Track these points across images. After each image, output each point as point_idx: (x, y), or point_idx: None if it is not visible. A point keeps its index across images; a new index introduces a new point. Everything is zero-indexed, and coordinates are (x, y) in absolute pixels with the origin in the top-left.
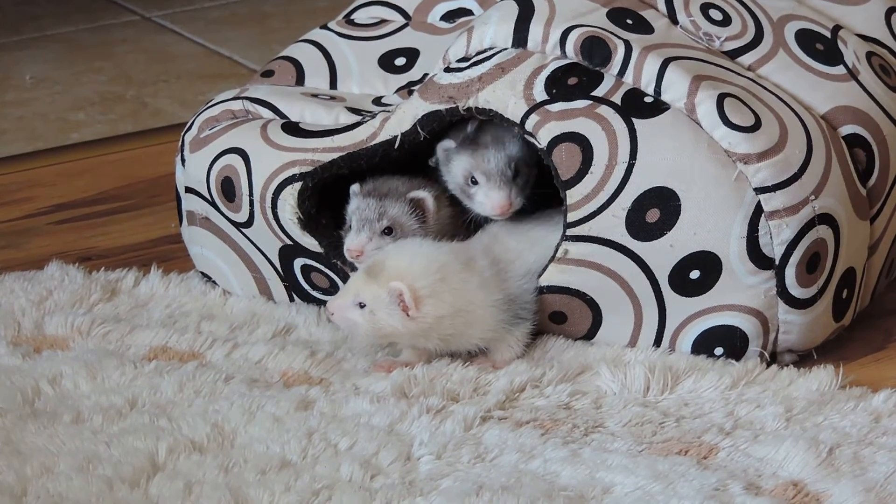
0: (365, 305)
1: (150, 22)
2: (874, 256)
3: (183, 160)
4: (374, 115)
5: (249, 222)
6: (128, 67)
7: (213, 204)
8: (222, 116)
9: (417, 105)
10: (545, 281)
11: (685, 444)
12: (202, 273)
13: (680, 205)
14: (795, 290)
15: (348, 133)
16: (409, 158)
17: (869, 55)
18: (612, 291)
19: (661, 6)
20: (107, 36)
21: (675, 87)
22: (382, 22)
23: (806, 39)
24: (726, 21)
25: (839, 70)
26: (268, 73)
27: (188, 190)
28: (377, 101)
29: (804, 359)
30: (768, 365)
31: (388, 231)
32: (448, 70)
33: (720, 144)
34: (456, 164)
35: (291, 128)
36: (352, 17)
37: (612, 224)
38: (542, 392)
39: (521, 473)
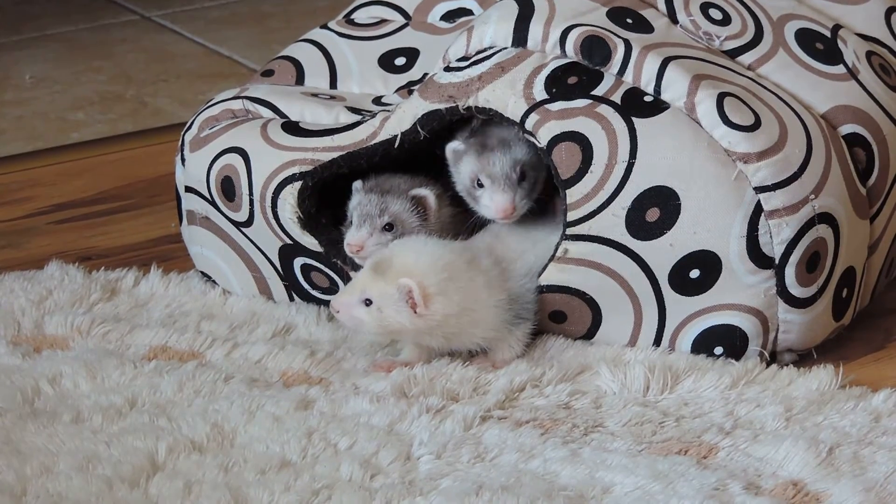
0: (371, 302)
1: (150, 21)
2: (874, 256)
3: (183, 159)
4: (374, 115)
5: (249, 222)
6: (127, 67)
7: (213, 203)
8: (222, 116)
9: (417, 104)
10: (545, 280)
11: (685, 443)
12: (202, 273)
13: (680, 204)
14: (795, 290)
15: (348, 132)
16: (410, 158)
17: (869, 54)
18: (611, 291)
19: (661, 5)
20: (106, 35)
21: (675, 87)
22: (382, 22)
23: (806, 39)
24: (726, 20)
25: (839, 69)
26: (268, 73)
27: (188, 189)
28: (377, 100)
29: (804, 358)
30: (768, 364)
31: (388, 227)
32: (448, 69)
33: (720, 143)
34: (463, 167)
35: (291, 127)
36: (352, 16)
37: (612, 223)
38: (541, 392)
39: (521, 473)
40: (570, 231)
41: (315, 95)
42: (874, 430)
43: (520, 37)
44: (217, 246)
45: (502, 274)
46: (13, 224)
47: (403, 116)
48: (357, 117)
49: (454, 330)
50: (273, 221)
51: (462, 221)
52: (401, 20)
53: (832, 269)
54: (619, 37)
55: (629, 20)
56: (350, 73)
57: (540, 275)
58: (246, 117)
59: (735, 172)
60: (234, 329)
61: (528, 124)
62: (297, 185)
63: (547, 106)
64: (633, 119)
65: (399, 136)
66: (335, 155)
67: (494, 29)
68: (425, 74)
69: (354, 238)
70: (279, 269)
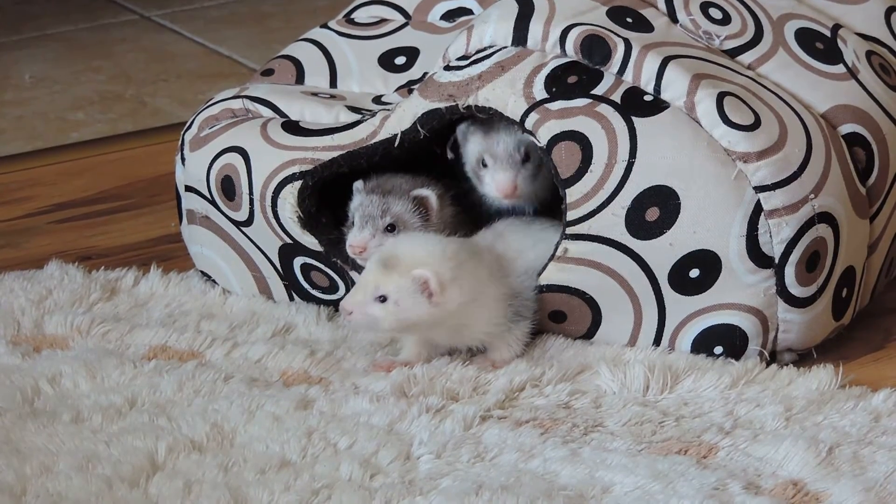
0: (386, 299)
1: (150, 21)
2: (874, 255)
3: (183, 159)
4: (374, 114)
5: (249, 221)
6: (127, 67)
7: (213, 203)
8: (222, 115)
9: (417, 103)
10: (545, 280)
11: (685, 443)
12: (202, 272)
13: (679, 203)
14: (795, 289)
15: (348, 132)
16: (409, 157)
17: (869, 54)
18: (611, 290)
19: (661, 5)
20: (106, 35)
21: (675, 86)
22: (382, 21)
23: (806, 38)
24: (726, 20)
25: (839, 69)
26: (268, 72)
27: (188, 189)
28: (377, 99)
29: (804, 358)
30: (768, 364)
31: (390, 228)
32: (448, 68)
33: (720, 143)
34: (470, 146)
35: (291, 126)
36: (352, 16)
37: (612, 223)
38: (541, 391)
39: (521, 473)
40: (569, 230)
41: (315, 95)
42: (874, 429)
43: (520, 36)
44: (217, 245)
45: (503, 269)
46: (13, 224)
47: (403, 115)
48: (357, 116)
49: (464, 321)
50: (273, 221)
51: (463, 221)
52: (401, 19)
53: (832, 269)
54: (618, 36)
55: (629, 19)
56: (350, 73)
57: (540, 274)
58: (246, 117)
59: (735, 172)
60: (233, 329)
61: (528, 123)
62: (297, 184)
63: (547, 105)
64: (633, 118)
65: (399, 136)
66: (335, 154)
67: (494, 28)
68: (425, 73)
69: (357, 239)
70: (279, 268)
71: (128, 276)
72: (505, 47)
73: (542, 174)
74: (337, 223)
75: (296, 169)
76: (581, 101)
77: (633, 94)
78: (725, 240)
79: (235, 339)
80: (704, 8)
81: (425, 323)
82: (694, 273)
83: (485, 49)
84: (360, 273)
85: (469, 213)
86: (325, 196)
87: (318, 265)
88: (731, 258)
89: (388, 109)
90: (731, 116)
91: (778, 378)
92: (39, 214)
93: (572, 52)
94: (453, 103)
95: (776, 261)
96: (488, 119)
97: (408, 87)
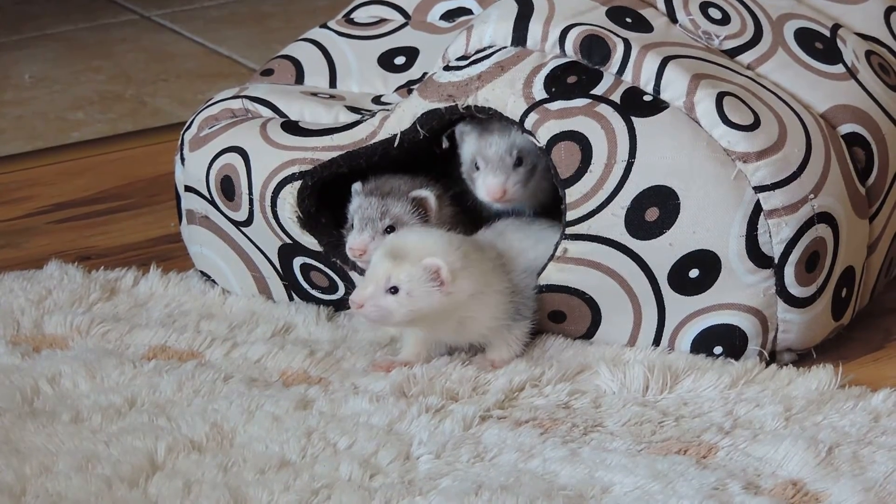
0: (398, 290)
1: (150, 21)
2: (873, 255)
3: (182, 159)
4: (373, 114)
5: (249, 221)
6: (127, 66)
7: (212, 203)
8: (222, 115)
9: (417, 104)
10: (544, 280)
11: (684, 443)
12: (201, 272)
13: (679, 203)
14: (794, 289)
15: (348, 132)
16: (409, 158)
17: (868, 54)
18: (611, 290)
19: (661, 5)
20: (106, 35)
21: (675, 86)
22: (382, 21)
23: (805, 38)
24: (725, 20)
25: (838, 69)
26: (267, 72)
27: (187, 189)
28: (377, 99)
29: (803, 358)
30: (767, 364)
31: (390, 230)
32: (447, 69)
33: (719, 143)
34: (465, 148)
35: (291, 126)
36: (351, 16)
37: (612, 223)
38: (541, 391)
39: (521, 473)
40: (569, 230)
41: (315, 95)
42: (873, 429)
43: (519, 36)
44: (216, 245)
45: (504, 266)
46: (12, 223)
47: (403, 116)
48: (356, 117)
49: (469, 313)
50: (272, 221)
51: (462, 221)
52: (400, 19)
53: (831, 269)
54: (618, 36)
55: (628, 19)
56: (349, 73)
57: (539, 274)
58: (245, 116)
59: (734, 172)
60: (233, 329)
61: (528, 123)
62: (297, 184)
63: (546, 105)
64: (633, 118)
65: (398, 136)
66: (335, 154)
67: (494, 28)
68: (425, 74)
69: (356, 242)
70: (278, 268)
71: (127, 276)
72: (504, 47)
73: (537, 178)
74: (336, 223)
75: (295, 169)
76: (580, 101)
77: (633, 94)
78: (725, 240)
79: (235, 339)
80: (704, 8)
81: (436, 313)
82: (693, 273)
83: (484, 49)
84: (359, 273)
85: (468, 214)
86: (325, 196)
87: (317, 265)
88: (730, 258)
89: (388, 110)
90: (731, 116)
91: (777, 378)
92: (39, 214)
93: (572, 52)
94: (453, 103)
95: (776, 261)
96: (486, 120)
97: (407, 88)
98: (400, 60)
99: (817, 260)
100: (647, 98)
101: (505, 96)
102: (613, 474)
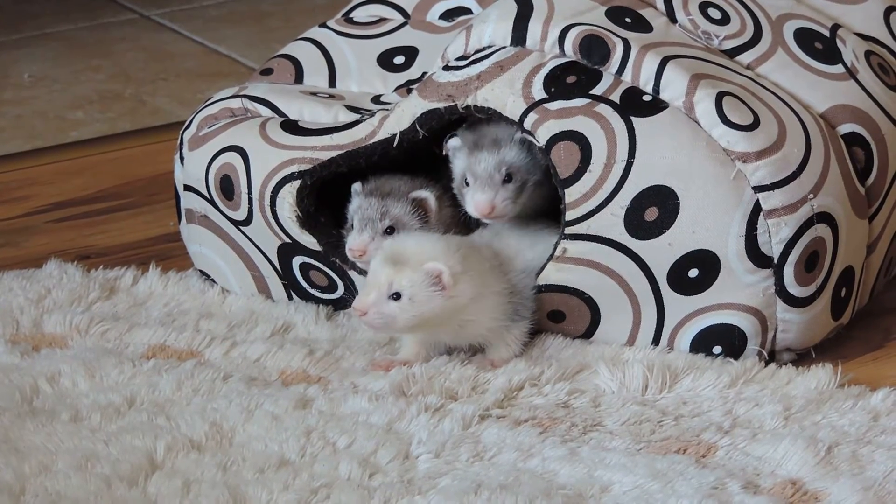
0: (400, 296)
1: (149, 20)
2: (873, 255)
3: (182, 158)
4: (372, 114)
5: (248, 220)
6: (126, 66)
7: (211, 202)
8: (221, 115)
9: (416, 103)
10: (544, 280)
11: (683, 442)
12: (201, 271)
13: (678, 203)
14: (794, 289)
15: (347, 131)
16: (408, 157)
17: (868, 54)
18: (610, 290)
19: (660, 5)
20: (105, 34)
21: (674, 86)
22: (381, 20)
23: (805, 38)
24: (725, 20)
25: (838, 69)
26: (267, 72)
27: (187, 188)
28: (376, 99)
29: (803, 357)
30: (767, 363)
31: (389, 231)
32: (447, 68)
33: (719, 143)
34: (456, 163)
35: (290, 126)
36: (351, 15)
37: (611, 222)
38: (540, 391)
39: (520, 472)
40: (568, 230)
41: (314, 94)
42: (873, 428)
43: (518, 36)
44: (216, 245)
45: (501, 267)
46: (12, 223)
47: (402, 115)
48: (356, 116)
49: (470, 316)
50: (272, 220)
51: (462, 221)
52: (400, 19)
53: (831, 269)
54: (617, 36)
55: (628, 19)
56: (349, 72)
57: (538, 274)
58: (245, 116)
59: (734, 172)
60: (232, 328)
61: (527, 123)
62: (296, 183)
63: (546, 105)
64: (632, 118)
65: (398, 135)
66: (334, 154)
67: (493, 28)
68: (424, 73)
69: (356, 243)
70: (278, 267)
71: (126, 275)
72: (504, 47)
73: (528, 193)
74: (336, 223)
75: (294, 168)
76: (580, 101)
77: (632, 93)
78: (724, 240)
79: (234, 339)
80: (703, 8)
81: (439, 318)
82: (693, 273)
83: (484, 49)
84: (359, 273)
85: (468, 216)
86: (324, 195)
87: (316, 264)
88: (729, 258)
89: (387, 109)
90: (730, 116)
91: (777, 377)
92: (38, 213)
93: (571, 52)
94: (452, 103)
95: (775, 260)
96: (476, 136)
97: (407, 87)
98: (399, 60)
99: (817, 260)
100: (646, 98)
101: (504, 96)
102: (612, 473)
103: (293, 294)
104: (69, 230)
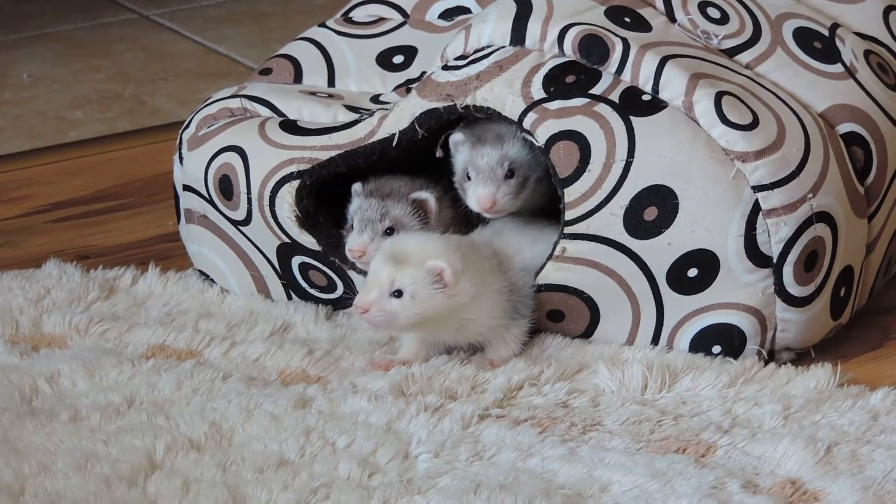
0: (402, 293)
1: (148, 20)
2: (872, 255)
3: (181, 158)
4: (372, 113)
5: (247, 220)
6: (126, 66)
7: (210, 202)
8: (220, 114)
9: (415, 103)
10: (543, 279)
11: (683, 442)
12: (200, 271)
13: (678, 203)
14: (793, 288)
15: (346, 131)
16: (408, 157)
17: (867, 53)
18: (609, 289)
19: (659, 4)
20: (105, 34)
21: (673, 85)
22: (380, 20)
23: (804, 37)
24: (724, 19)
25: (837, 68)
26: (266, 71)
27: (186, 188)
28: (375, 98)
29: (802, 357)
30: (766, 363)
31: (389, 231)
32: (446, 68)
33: (718, 142)
34: (458, 158)
35: (289, 126)
36: (350, 14)
37: (610, 222)
38: (539, 390)
39: (519, 472)
40: (568, 230)
41: (313, 94)
42: (872, 428)
43: (518, 35)
44: (215, 244)
45: (501, 265)
46: (11, 223)
47: (401, 115)
48: (355, 116)
49: (470, 314)
50: (271, 220)
51: (462, 222)
52: (399, 18)
53: (830, 268)
54: (617, 35)
55: (627, 19)
56: (348, 72)
57: (538, 273)
58: (244, 116)
59: (733, 171)
60: (231, 327)
61: (526, 123)
62: (295, 183)
63: (545, 105)
64: (631, 118)
65: (397, 135)
66: (333, 153)
67: (492, 27)
68: (423, 73)
69: (356, 244)
70: (277, 267)
71: (126, 275)
72: (503, 47)
73: (530, 189)
74: (335, 222)
75: (293, 168)
76: (579, 101)
77: (632, 93)
78: (724, 239)
79: (234, 338)
80: (702, 7)
81: (439, 316)
82: (692, 272)
83: (483, 49)
84: (358, 273)
85: (468, 214)
86: (324, 195)
87: (316, 264)
88: (729, 257)
89: (387, 109)
90: (730, 116)
91: (776, 377)
92: (37, 213)
93: (570, 51)
94: (451, 103)
95: (774, 260)
96: (479, 130)
97: (406, 87)
98: (398, 59)
99: (816, 259)
100: (645, 97)
101: (503, 96)
102: (612, 473)
103: (292, 294)
104: (68, 230)
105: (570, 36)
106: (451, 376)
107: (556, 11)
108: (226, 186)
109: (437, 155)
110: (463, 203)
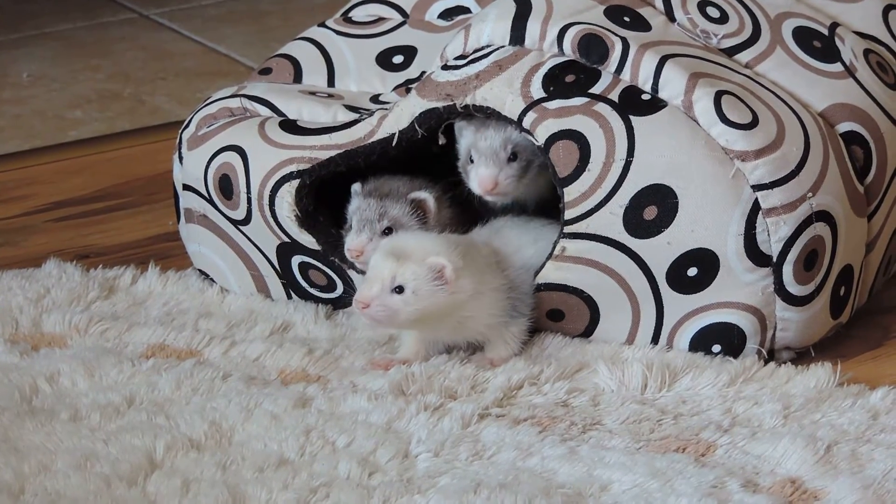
0: (403, 289)
1: (148, 20)
2: (872, 254)
3: (180, 158)
4: (371, 113)
5: (247, 220)
6: (125, 65)
7: (210, 201)
8: (220, 114)
9: (415, 103)
10: (543, 278)
11: (683, 441)
12: (200, 270)
13: (677, 202)
14: (793, 288)
15: (346, 131)
16: (408, 157)
17: (866, 52)
18: (609, 289)
19: (659, 3)
20: (104, 33)
21: (673, 85)
22: (380, 20)
23: (803, 37)
24: (723, 18)
25: (837, 67)
26: (265, 71)
27: (186, 187)
28: (375, 98)
29: (802, 356)
30: (766, 362)
31: (388, 231)
32: (446, 68)
33: (717, 142)
34: (462, 141)
35: (289, 125)
36: (349, 14)
37: (610, 221)
38: (539, 389)
39: (519, 471)
40: (567, 229)
41: (313, 94)
42: (872, 427)
43: (517, 35)
44: (215, 244)
45: (499, 263)
46: (11, 222)
47: (401, 115)
48: (355, 115)
49: (469, 312)
50: (271, 219)
51: (462, 223)
52: (398, 18)
53: (830, 267)
54: (616, 35)
55: (626, 18)
56: (348, 71)
57: (538, 273)
58: (244, 115)
59: (733, 170)
60: (231, 327)
61: (526, 122)
62: (295, 183)
63: (544, 104)
64: (631, 117)
65: (397, 135)
66: (333, 153)
67: (492, 27)
68: (423, 72)
69: (354, 243)
70: (277, 267)
71: (126, 274)
72: (502, 46)
73: (532, 175)
74: (335, 222)
75: (293, 168)
76: (579, 100)
77: (631, 92)
78: (723, 238)
79: (233, 338)
80: (702, 7)
81: (440, 313)
82: (692, 271)
83: (482, 48)
84: (357, 272)
85: (468, 213)
86: (324, 195)
87: (315, 263)
88: (729, 257)
89: (386, 109)
90: (729, 115)
91: (776, 376)
92: (37, 213)
93: (570, 51)
94: (451, 103)
95: (774, 259)
96: (484, 116)
97: (405, 86)
98: (398, 59)
99: (816, 258)
100: (645, 97)
101: (503, 95)
102: (612, 472)
103: (292, 293)
104: (68, 229)
105: (570, 35)
106: (450, 375)
107: (556, 11)
108: (225, 186)
109: (440, 142)
110: (462, 203)
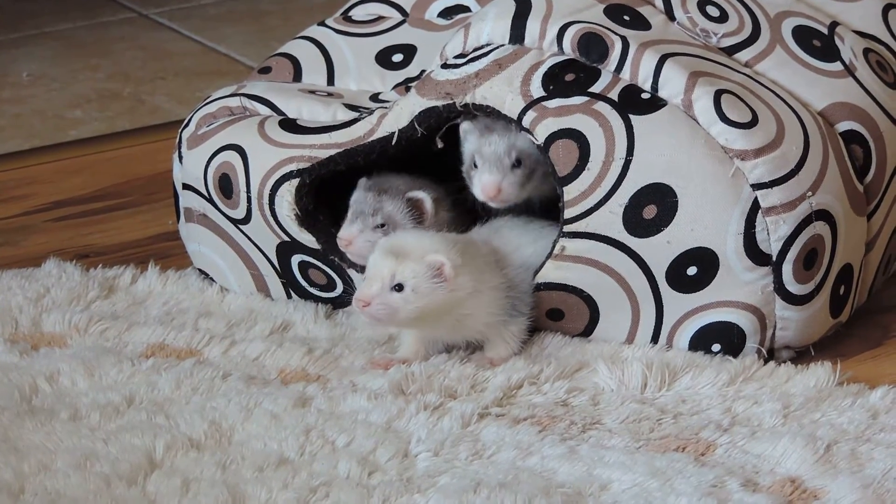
0: (403, 287)
1: (148, 19)
2: (871, 253)
3: (180, 157)
4: (371, 112)
5: (247, 219)
6: (125, 65)
7: (210, 201)
8: (220, 113)
9: (415, 101)
10: (542, 278)
11: (682, 440)
12: (200, 270)
13: (677, 201)
14: (793, 287)
15: (346, 129)
16: (408, 156)
17: (866, 52)
18: (609, 288)
19: (658, 2)
20: (104, 33)
21: (672, 84)
22: (380, 18)
23: (803, 36)
24: (723, 17)
25: (836, 66)
26: (265, 70)
27: (185, 187)
28: (374, 97)
29: (802, 355)
30: (766, 361)
31: (380, 226)
32: (445, 66)
33: (717, 141)
34: (466, 146)
35: (289, 124)
36: (349, 13)
37: (609, 220)
38: (539, 389)
39: (519, 470)
40: (567, 228)
41: (312, 92)
42: (872, 426)
43: (517, 34)
44: (215, 243)
45: (498, 262)
46: (11, 222)
47: (401, 114)
48: (354, 114)
49: (468, 310)
50: (271, 219)
51: (460, 226)
52: (398, 17)
53: (829, 266)
54: (616, 34)
55: (626, 17)
56: (347, 70)
57: (537, 272)
58: (243, 114)
59: (732, 169)
60: (231, 326)
61: (526, 121)
62: (295, 182)
63: (544, 103)
64: (631, 116)
65: (396, 134)
66: (332, 152)
67: (492, 26)
68: (423, 71)
69: (344, 233)
70: (277, 266)
71: (125, 273)
72: (502, 45)
73: (536, 181)
74: (335, 221)
75: (293, 167)
76: (578, 99)
77: (631, 91)
78: (723, 237)
79: (233, 337)
80: (702, 6)
81: (440, 310)
82: (691, 271)
83: (482, 47)
84: (358, 271)
85: (468, 216)
86: (324, 194)
87: (315, 263)
88: (728, 256)
89: (386, 107)
90: (729, 114)
91: (776, 375)
92: (37, 212)
93: (569, 49)
94: (451, 101)
95: (774, 258)
96: (489, 120)
97: (405, 85)
98: (398, 58)
99: (815, 257)
100: (644, 96)
101: (503, 94)
102: (612, 472)
103: (292, 292)
104: (68, 229)
105: (570, 34)
106: (450, 375)
107: (556, 10)
108: (225, 185)
109: (438, 146)
110: (465, 205)
